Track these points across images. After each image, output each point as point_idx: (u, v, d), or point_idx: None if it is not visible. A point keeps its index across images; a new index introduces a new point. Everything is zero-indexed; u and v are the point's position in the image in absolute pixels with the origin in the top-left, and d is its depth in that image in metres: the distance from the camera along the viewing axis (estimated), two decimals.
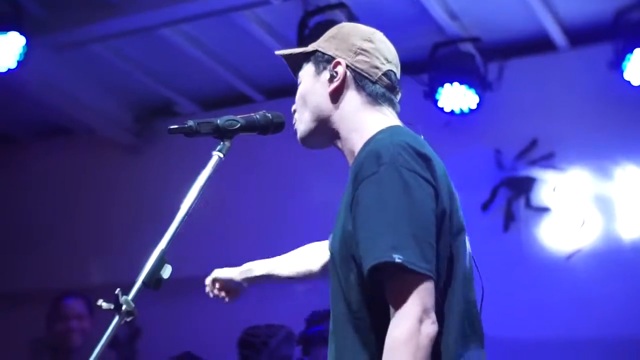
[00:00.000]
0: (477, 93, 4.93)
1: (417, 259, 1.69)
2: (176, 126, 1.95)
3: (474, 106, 4.96)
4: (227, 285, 2.51)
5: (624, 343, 4.58)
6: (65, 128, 6.32)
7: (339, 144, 2.00)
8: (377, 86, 1.98)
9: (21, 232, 6.25)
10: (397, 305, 1.68)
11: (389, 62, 2.01)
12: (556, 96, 5.01)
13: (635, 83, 4.65)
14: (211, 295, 2.51)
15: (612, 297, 4.63)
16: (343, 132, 1.98)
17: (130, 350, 5.18)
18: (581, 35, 4.97)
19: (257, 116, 2.05)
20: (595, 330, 4.65)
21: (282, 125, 2.09)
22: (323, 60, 2.02)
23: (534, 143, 5.03)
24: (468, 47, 5.03)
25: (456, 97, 4.94)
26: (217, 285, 2.52)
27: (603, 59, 4.75)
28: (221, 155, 1.94)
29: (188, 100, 5.94)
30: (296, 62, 2.09)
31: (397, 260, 1.67)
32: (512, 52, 5.10)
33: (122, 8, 4.79)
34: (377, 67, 1.99)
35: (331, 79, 1.99)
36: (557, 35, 4.92)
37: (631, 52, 4.58)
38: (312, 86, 2.02)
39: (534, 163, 5.03)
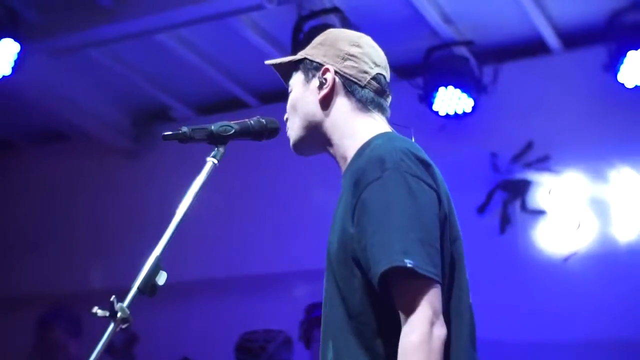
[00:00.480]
0: (472, 96, 4.94)
1: (425, 264, 1.70)
2: (170, 133, 1.96)
3: (469, 109, 4.97)
4: None
5: (620, 345, 4.58)
6: (62, 133, 6.32)
7: (331, 150, 2.00)
8: (367, 91, 1.99)
9: (19, 237, 6.25)
10: (409, 310, 1.70)
11: (377, 66, 2.01)
12: (551, 99, 5.02)
13: (629, 85, 4.66)
14: None
15: (608, 300, 4.64)
16: (335, 139, 1.98)
17: (127, 356, 5.17)
18: (575, 38, 4.99)
19: (251, 122, 2.06)
20: (592, 333, 4.66)
21: (276, 130, 2.09)
22: (312, 68, 2.03)
23: (529, 146, 5.04)
24: (462, 51, 5.04)
25: (451, 100, 4.95)
26: None
27: (597, 62, 4.76)
28: (215, 161, 1.95)
29: (183, 105, 5.95)
30: (286, 71, 2.10)
31: (409, 265, 1.69)
32: (507, 55, 5.11)
33: (118, 13, 4.79)
34: (365, 72, 1.99)
35: (320, 86, 2.00)
36: (551, 38, 4.93)
37: (625, 54, 4.59)
38: (302, 94, 2.03)
39: (529, 166, 5.04)
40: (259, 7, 4.53)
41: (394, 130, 1.99)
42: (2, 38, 4.67)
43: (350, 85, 1.99)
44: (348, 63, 1.99)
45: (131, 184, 6.03)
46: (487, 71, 5.05)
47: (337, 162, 2.00)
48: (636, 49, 4.57)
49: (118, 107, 6.06)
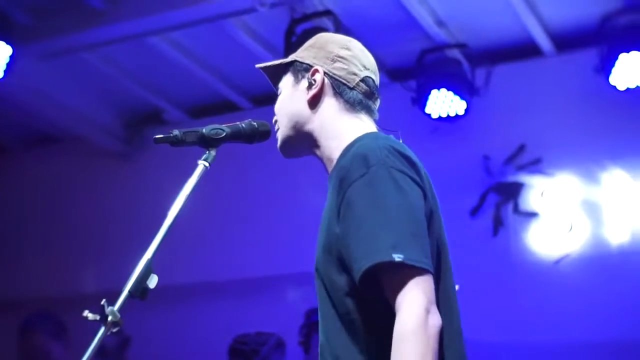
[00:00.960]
0: (465, 99, 4.95)
1: (417, 255, 1.70)
2: (161, 136, 1.97)
3: (461, 112, 4.97)
4: None
5: (612, 347, 4.59)
6: (54, 136, 6.31)
7: (318, 152, 2.01)
8: (355, 92, 2.00)
9: (12, 240, 6.23)
10: (402, 300, 1.69)
11: (366, 69, 2.02)
12: (543, 101, 5.04)
13: (621, 88, 4.67)
14: None
15: (600, 302, 4.65)
16: (321, 140, 1.99)
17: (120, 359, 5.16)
18: (567, 40, 5.00)
19: (243, 125, 2.06)
20: (583, 335, 4.66)
21: (267, 133, 2.10)
22: (301, 69, 2.04)
23: (521, 148, 5.05)
24: (455, 53, 5.05)
25: (444, 103, 4.95)
26: None
27: (589, 64, 4.78)
28: (207, 164, 1.95)
29: (176, 108, 5.94)
30: (275, 74, 2.11)
31: (397, 259, 1.68)
32: (499, 58, 5.12)
33: (110, 16, 4.79)
34: (354, 74, 2.00)
35: (309, 87, 2.01)
36: (543, 41, 4.94)
37: (617, 57, 4.60)
38: (291, 95, 2.04)
39: (522, 168, 5.04)
40: (251, 10, 4.53)
41: (381, 132, 1.99)
42: None
43: (338, 87, 2.00)
44: (337, 65, 2.01)
45: (123, 187, 6.02)
46: (480, 74, 5.06)
47: (324, 164, 2.00)
48: (628, 52, 4.58)
49: (110, 110, 6.05)
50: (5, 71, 4.71)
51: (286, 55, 4.44)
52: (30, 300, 6.03)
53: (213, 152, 1.97)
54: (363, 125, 1.98)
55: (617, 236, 4.82)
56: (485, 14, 4.87)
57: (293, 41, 4.56)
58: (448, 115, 4.99)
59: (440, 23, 4.90)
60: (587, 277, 4.77)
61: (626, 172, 4.85)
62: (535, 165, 5.01)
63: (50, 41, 4.99)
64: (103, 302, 1.69)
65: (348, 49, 2.03)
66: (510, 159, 5.06)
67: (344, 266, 1.78)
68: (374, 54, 2.10)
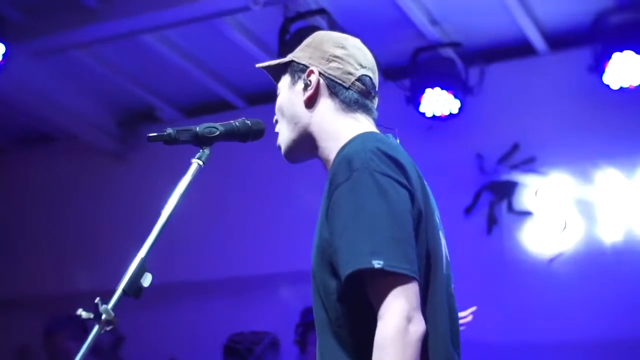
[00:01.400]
0: (458, 98, 4.96)
1: (398, 261, 1.69)
2: (155, 134, 1.96)
3: (455, 111, 4.98)
4: None
5: (605, 345, 4.60)
6: (48, 135, 6.30)
7: (318, 154, 2.00)
8: (351, 92, 1.99)
9: (6, 240, 6.22)
10: (383, 307, 1.68)
11: (363, 67, 2.01)
12: (537, 100, 5.04)
13: (614, 87, 4.68)
14: None
15: (593, 300, 4.66)
16: (320, 141, 1.98)
17: (114, 358, 5.16)
18: (561, 39, 5.01)
19: (237, 123, 2.05)
20: (576, 333, 4.67)
21: (261, 132, 2.09)
22: (298, 70, 2.02)
23: (515, 147, 5.06)
24: (449, 52, 5.06)
25: (437, 102, 4.96)
26: None
27: (583, 63, 4.78)
28: (200, 163, 1.95)
29: (170, 106, 5.94)
30: (276, 74, 2.10)
31: (377, 266, 1.67)
32: (493, 57, 5.12)
33: (103, 14, 4.78)
34: (350, 73, 1.99)
35: (305, 88, 1.99)
36: (536, 40, 4.95)
37: (610, 56, 4.61)
38: (288, 96, 2.03)
39: (515, 167, 5.05)
40: (245, 9, 4.53)
41: (379, 130, 1.99)
42: None
43: (334, 87, 1.98)
44: (333, 64, 1.99)
45: (117, 186, 6.02)
46: (474, 72, 5.06)
47: (324, 166, 1.99)
48: (621, 51, 4.59)
49: (104, 109, 6.04)
50: None
51: (280, 55, 4.46)
52: (24, 299, 6.03)
53: (207, 151, 1.97)
54: (359, 125, 1.96)
55: (610, 235, 4.83)
56: (479, 13, 4.87)
57: (287, 40, 4.56)
58: (442, 114, 4.99)
59: (434, 22, 4.90)
60: (581, 276, 4.78)
61: (620, 171, 4.86)
62: (529, 164, 5.02)
63: (44, 39, 4.98)
64: (97, 300, 1.69)
65: (344, 47, 2.01)
66: (504, 158, 5.07)
67: (335, 271, 1.78)
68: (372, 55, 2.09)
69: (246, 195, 5.62)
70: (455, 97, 4.95)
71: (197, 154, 1.96)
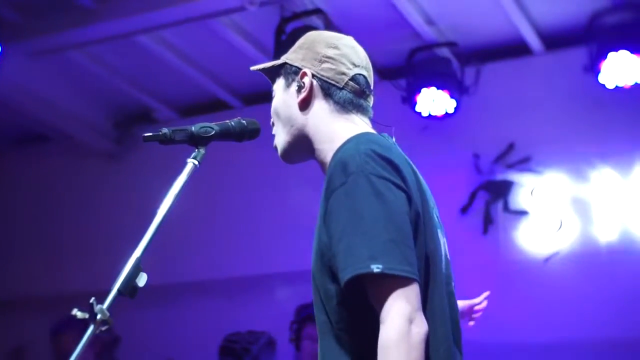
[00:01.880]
0: (454, 97, 4.96)
1: (397, 264, 1.69)
2: (150, 134, 1.96)
3: (451, 110, 4.98)
4: None
5: (601, 345, 4.61)
6: (43, 136, 6.29)
7: (314, 155, 1.99)
8: (345, 92, 1.98)
9: (1, 240, 6.20)
10: (385, 310, 1.68)
11: (356, 66, 2.00)
12: (532, 100, 5.05)
13: (609, 86, 4.68)
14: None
15: (589, 300, 4.67)
16: (316, 144, 1.97)
17: (110, 359, 5.16)
18: (556, 39, 5.01)
19: (232, 123, 2.05)
20: (573, 333, 4.68)
21: (257, 131, 2.09)
22: (291, 72, 2.02)
23: (511, 147, 5.06)
24: (445, 52, 5.06)
25: (433, 101, 4.96)
26: None
27: (578, 63, 4.79)
28: (196, 162, 1.95)
29: (166, 106, 5.93)
30: (272, 75, 2.09)
31: (376, 270, 1.67)
32: (489, 57, 5.13)
33: (99, 14, 4.77)
34: (343, 73, 1.98)
35: (299, 90, 1.99)
36: (532, 40, 4.95)
37: (605, 55, 4.61)
38: (282, 99, 2.03)
39: (511, 167, 5.06)
40: (241, 9, 4.53)
41: (374, 131, 1.98)
42: None
43: (328, 88, 1.98)
44: (325, 65, 1.98)
45: (113, 186, 6.01)
46: (469, 72, 5.06)
47: (321, 168, 1.98)
48: (616, 51, 4.60)
49: (100, 109, 6.03)
50: None
51: (276, 55, 4.46)
52: (19, 299, 6.02)
53: (202, 150, 1.96)
54: (354, 126, 1.95)
55: (606, 234, 4.83)
56: (475, 13, 4.88)
57: (283, 40, 4.56)
58: (438, 114, 4.99)
59: (430, 22, 4.91)
60: (576, 275, 4.79)
61: (615, 171, 4.87)
62: (525, 164, 5.02)
63: (39, 40, 4.97)
64: (92, 300, 1.69)
65: (336, 47, 2.00)
66: (499, 158, 5.08)
67: (334, 275, 1.77)
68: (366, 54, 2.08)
69: (242, 195, 5.62)
70: (451, 96, 4.95)
71: (192, 153, 1.96)
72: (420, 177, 1.92)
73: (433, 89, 4.93)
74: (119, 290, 1.73)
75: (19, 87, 5.39)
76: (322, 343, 1.84)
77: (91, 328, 1.68)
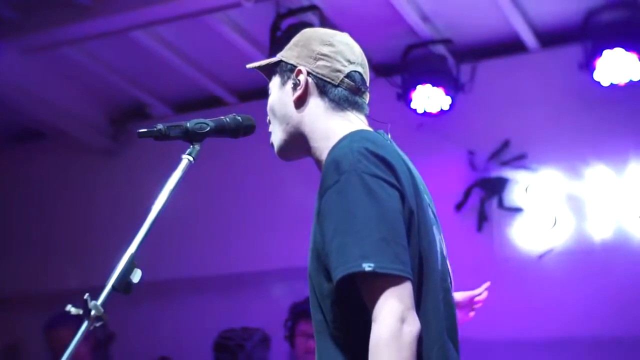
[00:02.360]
0: (450, 94, 4.96)
1: (389, 262, 1.69)
2: (145, 130, 1.96)
3: (446, 107, 4.98)
4: None
5: (595, 342, 4.62)
6: (38, 132, 6.27)
7: (310, 153, 2.00)
8: (340, 89, 1.98)
9: None
10: (377, 309, 1.68)
11: (351, 63, 2.00)
12: (527, 97, 5.05)
13: (604, 84, 4.69)
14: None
15: (583, 297, 4.68)
16: (311, 141, 1.98)
17: (104, 355, 5.15)
18: (552, 36, 5.02)
19: (227, 119, 2.06)
20: (567, 330, 4.69)
21: (252, 128, 2.09)
22: (286, 70, 2.02)
23: (506, 144, 5.06)
24: (440, 49, 5.06)
25: (429, 98, 4.96)
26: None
27: (573, 60, 4.79)
28: (191, 159, 1.95)
29: (161, 102, 5.92)
30: (268, 73, 2.09)
31: (367, 269, 1.67)
32: (484, 54, 5.13)
33: (94, 10, 4.77)
34: (338, 70, 1.98)
35: (294, 88, 1.99)
36: (528, 37, 4.96)
37: (601, 53, 4.62)
38: (278, 97, 2.03)
39: (506, 164, 5.06)
40: (236, 5, 4.52)
41: (369, 128, 1.98)
42: None
43: (323, 85, 1.98)
44: (320, 63, 1.98)
45: (108, 182, 6.00)
46: (465, 69, 5.07)
47: (317, 165, 1.98)
48: (612, 48, 4.60)
49: (95, 106, 6.02)
50: None
51: (271, 51, 4.46)
52: (14, 296, 6.01)
53: (197, 147, 1.97)
54: (349, 124, 1.95)
55: (600, 231, 4.84)
56: (470, 10, 4.88)
57: (278, 36, 4.55)
58: (433, 111, 5.00)
59: (425, 19, 4.91)
60: (571, 272, 4.80)
61: (610, 168, 4.88)
62: (520, 161, 5.03)
63: (35, 36, 4.96)
64: (86, 296, 1.68)
65: (331, 44, 2.00)
66: (494, 155, 5.08)
67: (329, 274, 1.78)
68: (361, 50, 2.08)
69: (237, 192, 5.62)
70: (447, 93, 4.95)
71: (187, 150, 1.96)
72: (416, 174, 1.91)
73: (428, 86, 4.93)
74: (113, 286, 1.74)
75: (14, 83, 5.38)
76: (318, 342, 1.85)
77: (85, 324, 1.68)
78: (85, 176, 6.10)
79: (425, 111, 4.99)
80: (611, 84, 4.68)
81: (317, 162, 1.97)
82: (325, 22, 4.54)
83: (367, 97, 2.04)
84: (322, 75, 1.98)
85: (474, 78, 5.04)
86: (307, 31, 2.10)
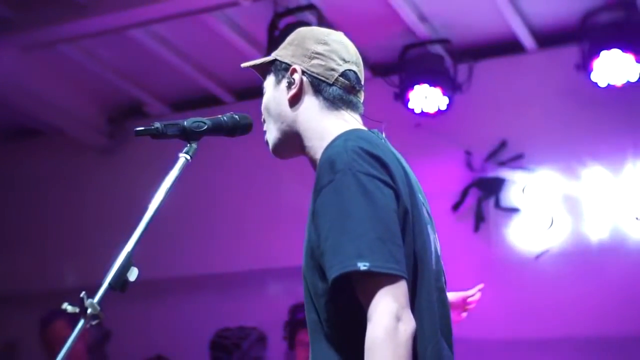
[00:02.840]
0: (447, 94, 4.96)
1: (385, 261, 1.69)
2: (142, 128, 1.95)
3: (443, 107, 4.98)
4: None
5: (592, 342, 4.63)
6: (35, 130, 6.26)
7: (305, 152, 1.99)
8: (335, 88, 1.97)
9: None
10: (372, 308, 1.68)
11: (346, 62, 1.99)
12: (525, 97, 5.06)
13: (602, 84, 4.69)
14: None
15: (580, 297, 4.68)
16: (306, 140, 1.97)
17: (100, 353, 5.15)
18: (549, 37, 5.02)
19: (224, 118, 2.05)
20: (564, 330, 4.70)
21: (249, 126, 2.09)
22: (281, 69, 2.01)
23: (503, 144, 5.07)
24: (437, 49, 5.06)
25: (426, 98, 4.96)
26: None
27: (570, 61, 4.79)
28: (188, 157, 1.94)
29: (158, 101, 5.92)
30: (263, 72, 2.09)
31: (362, 268, 1.68)
32: (481, 54, 5.13)
33: (91, 8, 4.76)
34: (333, 69, 1.98)
35: (289, 87, 1.98)
36: (525, 37, 4.96)
37: (598, 54, 4.62)
38: (273, 95, 2.02)
39: (503, 164, 5.06)
40: (234, 4, 4.53)
41: (364, 127, 1.98)
42: None
43: (318, 84, 1.97)
44: (315, 62, 1.98)
45: (105, 181, 6.00)
46: (462, 69, 5.06)
47: (312, 164, 1.98)
48: (609, 49, 4.61)
49: (92, 104, 6.01)
50: None
51: (269, 50, 4.45)
52: (10, 294, 6.00)
53: (194, 145, 1.97)
54: (344, 123, 1.95)
55: (597, 232, 4.85)
56: (468, 10, 4.88)
57: (276, 35, 4.55)
58: (430, 111, 5.00)
59: (423, 18, 4.91)
60: (567, 272, 4.81)
61: (606, 169, 4.88)
62: (517, 161, 5.03)
63: (31, 33, 4.95)
64: (82, 294, 1.68)
65: (325, 43, 2.00)
66: (491, 155, 5.08)
67: (323, 273, 1.77)
68: (356, 49, 2.08)
69: (233, 190, 5.61)
70: (444, 93, 4.95)
71: (184, 148, 1.96)
72: (410, 173, 1.91)
73: (426, 85, 4.93)
74: (110, 284, 1.73)
75: (11, 81, 5.36)
76: (312, 341, 1.85)
77: (81, 322, 1.68)
78: (82, 174, 6.10)
79: (422, 111, 4.99)
80: (608, 84, 4.69)
81: (312, 161, 1.97)
82: (323, 22, 4.54)
83: (362, 96, 2.03)
84: (316, 74, 1.97)
85: (472, 78, 5.04)
86: (301, 30, 2.09)
